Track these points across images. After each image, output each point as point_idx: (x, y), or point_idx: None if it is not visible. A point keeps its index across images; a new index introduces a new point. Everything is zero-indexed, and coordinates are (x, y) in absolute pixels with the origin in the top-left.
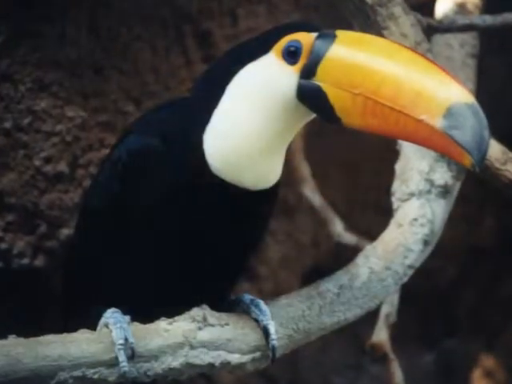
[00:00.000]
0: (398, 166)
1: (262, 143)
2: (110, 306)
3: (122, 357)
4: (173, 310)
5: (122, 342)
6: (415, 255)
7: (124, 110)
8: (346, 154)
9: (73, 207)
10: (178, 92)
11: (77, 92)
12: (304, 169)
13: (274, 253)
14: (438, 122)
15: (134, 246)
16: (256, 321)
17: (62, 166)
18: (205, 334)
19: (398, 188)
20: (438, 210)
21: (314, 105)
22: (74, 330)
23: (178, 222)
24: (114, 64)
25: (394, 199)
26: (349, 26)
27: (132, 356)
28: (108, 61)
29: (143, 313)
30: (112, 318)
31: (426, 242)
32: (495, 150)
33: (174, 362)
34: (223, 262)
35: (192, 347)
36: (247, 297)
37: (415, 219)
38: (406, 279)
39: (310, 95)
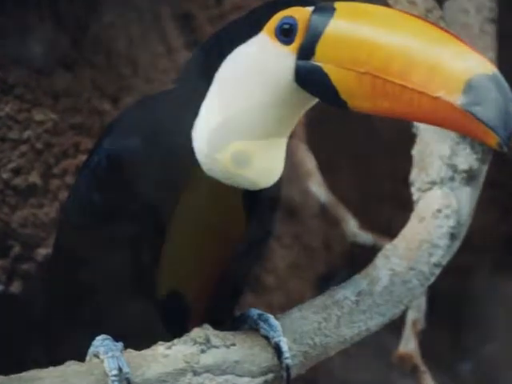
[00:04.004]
0: (415, 152)
1: (259, 136)
2: (98, 333)
3: None
4: (171, 331)
5: (115, 372)
6: (442, 251)
7: (100, 110)
8: (356, 142)
9: (49, 223)
10: (160, 84)
11: (45, 92)
12: (309, 162)
13: (281, 259)
14: (457, 99)
15: (123, 260)
16: (266, 338)
17: (34, 178)
18: (209, 358)
19: (417, 177)
20: (463, 199)
21: (315, 88)
22: (60, 362)
23: (170, 231)
24: (85, 58)
25: (413, 190)
26: None
27: None
28: (78, 54)
29: (137, 337)
30: (102, 346)
31: (452, 236)
32: None
33: None
34: (224, 274)
35: (195, 373)
36: (254, 311)
37: (439, 210)
38: (432, 279)
39: (309, 78)
